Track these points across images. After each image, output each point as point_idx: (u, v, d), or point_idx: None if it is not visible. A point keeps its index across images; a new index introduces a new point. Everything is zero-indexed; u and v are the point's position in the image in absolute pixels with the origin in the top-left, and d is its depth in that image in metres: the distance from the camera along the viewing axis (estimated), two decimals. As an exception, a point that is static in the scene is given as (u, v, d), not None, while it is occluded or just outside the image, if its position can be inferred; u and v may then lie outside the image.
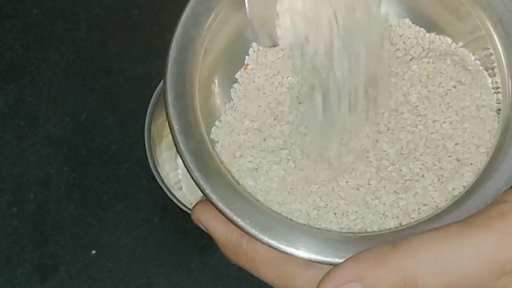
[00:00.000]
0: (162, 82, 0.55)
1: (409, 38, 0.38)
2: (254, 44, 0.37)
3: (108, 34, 0.66)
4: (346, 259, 0.28)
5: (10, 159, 0.61)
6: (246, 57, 0.37)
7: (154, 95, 0.56)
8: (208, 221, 0.33)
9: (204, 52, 0.34)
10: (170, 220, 0.59)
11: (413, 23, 0.38)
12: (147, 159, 0.54)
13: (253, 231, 0.31)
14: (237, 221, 0.31)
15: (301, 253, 0.30)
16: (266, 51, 0.37)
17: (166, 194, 0.53)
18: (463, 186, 0.33)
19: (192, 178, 0.32)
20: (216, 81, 0.37)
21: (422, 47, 0.37)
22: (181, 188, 0.59)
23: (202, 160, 0.32)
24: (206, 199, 0.32)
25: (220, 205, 0.31)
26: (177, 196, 0.54)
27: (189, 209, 0.53)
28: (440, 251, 0.27)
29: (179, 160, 0.60)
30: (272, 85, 0.37)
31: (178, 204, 0.53)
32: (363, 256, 0.27)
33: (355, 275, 0.27)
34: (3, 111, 0.63)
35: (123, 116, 0.62)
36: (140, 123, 0.55)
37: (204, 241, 0.58)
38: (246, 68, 0.37)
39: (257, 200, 0.33)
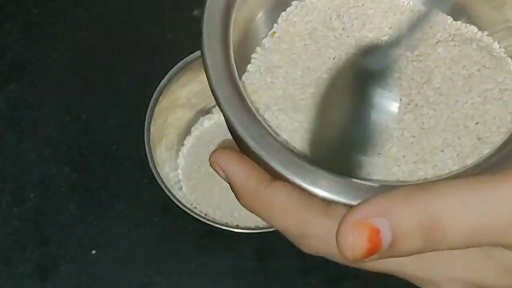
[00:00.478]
0: (162, 82, 0.56)
1: (436, 24, 0.37)
2: (283, 13, 0.37)
3: (108, 34, 0.66)
4: (373, 197, 0.27)
5: (11, 159, 0.61)
6: (275, 24, 0.37)
7: (154, 95, 0.56)
8: (227, 164, 0.32)
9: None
10: (170, 220, 0.59)
11: (440, 10, 0.38)
12: (147, 159, 0.54)
13: (276, 166, 0.30)
14: (262, 155, 0.30)
15: (323, 192, 0.30)
16: (295, 21, 0.37)
17: (166, 194, 0.53)
18: None
19: (221, 111, 0.31)
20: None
21: (448, 32, 0.37)
22: (181, 188, 0.59)
23: (231, 97, 0.31)
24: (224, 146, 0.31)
25: (246, 138, 0.30)
26: (177, 196, 0.54)
27: (189, 209, 0.53)
28: (468, 196, 0.26)
29: (179, 160, 0.60)
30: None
31: (178, 204, 0.53)
32: (391, 194, 0.27)
33: (382, 210, 0.26)
34: (4, 111, 0.63)
35: (124, 116, 0.62)
36: (140, 123, 0.55)
37: (204, 241, 0.59)
38: (273, 36, 0.37)
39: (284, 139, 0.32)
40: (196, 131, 0.61)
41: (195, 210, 0.55)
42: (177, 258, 0.58)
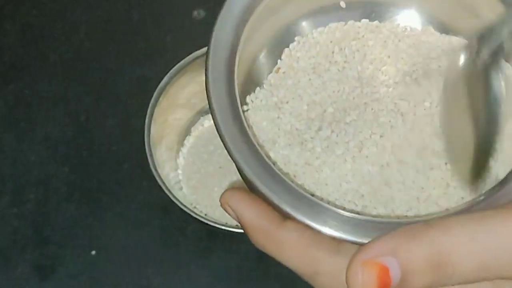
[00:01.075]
0: (161, 83, 0.56)
1: (430, 43, 0.38)
2: (286, 49, 0.37)
3: (107, 35, 0.66)
4: (381, 235, 0.27)
5: (10, 159, 0.61)
6: (279, 60, 0.38)
7: (154, 95, 0.56)
8: (238, 205, 0.33)
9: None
10: (170, 221, 0.59)
11: (435, 30, 0.38)
12: (147, 159, 0.54)
13: (286, 207, 0.30)
14: (271, 197, 0.31)
15: (333, 232, 0.30)
16: (298, 57, 0.37)
17: (166, 195, 0.53)
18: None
19: (229, 155, 0.32)
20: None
21: (441, 49, 0.37)
22: (181, 189, 0.59)
23: (238, 139, 0.32)
24: (234, 186, 0.32)
25: (256, 181, 0.31)
26: (177, 196, 0.54)
27: (189, 209, 0.53)
28: (476, 231, 0.27)
29: (179, 160, 0.60)
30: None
31: (178, 204, 0.53)
32: (398, 232, 0.27)
33: (390, 249, 0.26)
34: (3, 112, 0.63)
35: (123, 117, 0.62)
36: (140, 123, 0.55)
37: (204, 242, 0.59)
38: (278, 72, 0.37)
39: (290, 179, 0.33)
40: (196, 131, 0.61)
41: (195, 210, 0.55)
42: (177, 258, 0.58)
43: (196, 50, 0.57)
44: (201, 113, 0.62)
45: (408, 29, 0.38)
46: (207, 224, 0.53)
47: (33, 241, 0.58)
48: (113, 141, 0.62)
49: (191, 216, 0.53)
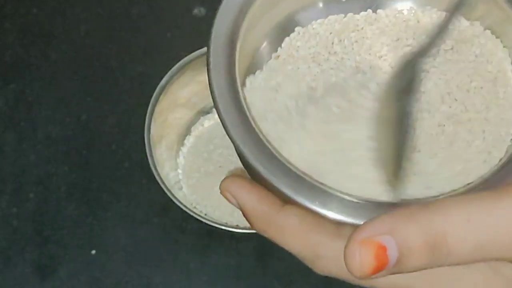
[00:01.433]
0: (162, 82, 0.56)
1: (432, 26, 0.38)
2: (286, 38, 0.37)
3: (108, 34, 0.66)
4: (378, 215, 0.28)
5: (10, 159, 0.61)
6: (279, 48, 0.38)
7: (154, 95, 0.56)
8: (238, 191, 0.33)
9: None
10: (170, 220, 0.59)
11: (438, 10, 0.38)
12: (147, 159, 0.54)
13: (287, 191, 0.30)
14: (271, 180, 0.31)
15: (332, 214, 0.30)
16: (298, 46, 0.37)
17: (166, 194, 0.53)
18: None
19: (230, 139, 0.32)
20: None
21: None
22: (181, 188, 0.59)
23: (239, 124, 0.32)
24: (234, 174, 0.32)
25: (257, 165, 0.31)
26: (177, 196, 0.54)
27: (189, 209, 0.53)
28: (471, 213, 0.27)
29: (179, 160, 0.60)
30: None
31: (178, 204, 0.53)
32: (396, 213, 0.27)
33: (388, 228, 0.27)
34: (3, 111, 0.63)
35: (123, 116, 0.62)
36: (140, 122, 0.55)
37: (203, 241, 0.58)
38: (278, 58, 0.37)
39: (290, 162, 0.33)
40: (196, 131, 0.61)
41: (195, 210, 0.55)
42: (177, 258, 0.58)
43: (197, 47, 0.57)
44: (201, 113, 0.62)
45: (407, 12, 0.38)
46: (206, 223, 0.53)
47: (33, 241, 0.58)
48: (114, 140, 0.62)
49: (191, 215, 0.53)
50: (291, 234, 0.32)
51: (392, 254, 0.26)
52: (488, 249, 0.27)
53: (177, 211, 0.53)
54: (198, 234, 0.59)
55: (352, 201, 0.31)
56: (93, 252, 0.58)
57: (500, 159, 0.33)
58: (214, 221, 0.54)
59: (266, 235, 0.33)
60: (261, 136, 0.32)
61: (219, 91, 0.32)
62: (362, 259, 0.26)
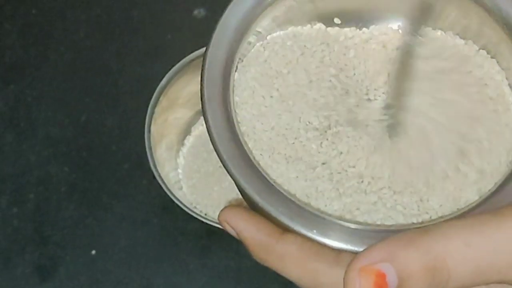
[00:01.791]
0: (162, 82, 0.56)
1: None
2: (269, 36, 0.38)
3: (107, 35, 0.66)
4: (377, 242, 0.28)
5: (10, 159, 0.61)
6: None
7: (154, 95, 0.56)
8: (237, 222, 0.33)
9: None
10: (170, 220, 0.59)
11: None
12: (147, 159, 0.54)
13: (285, 220, 0.31)
14: (269, 210, 0.31)
15: (331, 242, 0.30)
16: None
17: (166, 194, 0.53)
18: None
19: (227, 171, 0.32)
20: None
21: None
22: (181, 188, 0.59)
23: (234, 153, 0.32)
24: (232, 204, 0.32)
25: (254, 195, 0.31)
26: (177, 196, 0.54)
27: (189, 209, 0.53)
28: (471, 237, 0.27)
29: (179, 160, 0.60)
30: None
31: (178, 204, 0.53)
32: (394, 238, 0.27)
33: (386, 255, 0.27)
34: (3, 112, 0.63)
35: (123, 117, 0.62)
36: (140, 123, 0.55)
37: (203, 242, 0.59)
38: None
39: (285, 190, 0.33)
40: (196, 131, 0.61)
41: (195, 210, 0.55)
42: (177, 258, 0.58)
43: (197, 49, 0.57)
44: (201, 113, 0.61)
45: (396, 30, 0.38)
46: (206, 223, 0.53)
47: (33, 241, 0.58)
48: (113, 140, 0.62)
49: (191, 215, 0.53)
50: (290, 262, 0.32)
51: (392, 281, 0.26)
52: (489, 272, 0.27)
53: (177, 211, 0.53)
54: (198, 235, 0.59)
55: (350, 228, 0.31)
56: (93, 252, 0.58)
57: (495, 184, 0.33)
58: (214, 221, 0.54)
59: (266, 264, 0.33)
60: (258, 167, 0.32)
61: (214, 123, 0.33)
62: (362, 287, 0.27)
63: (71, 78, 0.64)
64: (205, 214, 0.57)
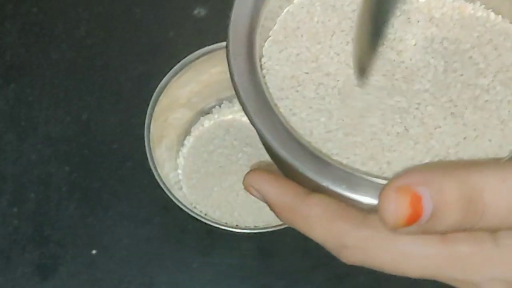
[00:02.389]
0: (162, 82, 0.56)
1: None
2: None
3: (108, 33, 0.66)
4: (415, 166, 0.28)
5: (11, 158, 0.61)
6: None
7: (154, 95, 0.55)
8: (261, 185, 0.33)
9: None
10: (171, 220, 0.59)
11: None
12: (147, 159, 0.54)
13: (313, 176, 0.30)
14: (297, 166, 0.30)
15: (360, 197, 0.30)
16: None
17: (166, 194, 0.53)
18: None
19: (253, 125, 0.32)
20: None
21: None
22: (181, 188, 0.59)
23: (261, 109, 0.32)
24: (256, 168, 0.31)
25: (283, 153, 0.31)
26: (177, 196, 0.54)
27: (189, 209, 0.53)
28: (507, 175, 0.27)
29: (179, 160, 0.60)
30: None
31: (178, 204, 0.53)
32: (432, 166, 0.27)
33: (424, 180, 0.26)
34: (4, 111, 0.63)
35: (124, 116, 0.62)
36: (141, 122, 0.55)
37: (205, 241, 0.59)
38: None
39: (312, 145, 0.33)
40: (196, 131, 0.61)
41: (195, 210, 0.55)
42: (178, 258, 0.58)
43: (197, 47, 0.57)
44: (201, 113, 0.61)
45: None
46: (207, 223, 0.53)
47: (33, 241, 0.58)
48: (114, 139, 0.62)
49: (191, 215, 0.53)
50: (316, 224, 0.31)
51: (427, 205, 0.26)
52: None
53: (177, 211, 0.53)
54: (199, 233, 0.59)
55: (380, 184, 0.30)
56: (94, 252, 0.58)
57: None
58: (214, 221, 0.54)
59: (293, 227, 0.32)
60: (285, 123, 0.32)
61: (239, 79, 0.32)
62: (396, 207, 0.26)
63: (72, 77, 0.64)
64: (205, 214, 0.57)
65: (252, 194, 0.33)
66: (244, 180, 0.33)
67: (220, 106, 0.62)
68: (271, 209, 0.33)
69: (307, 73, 0.35)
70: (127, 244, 0.59)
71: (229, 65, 0.33)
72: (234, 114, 0.61)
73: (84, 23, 0.66)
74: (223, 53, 0.58)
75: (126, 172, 0.61)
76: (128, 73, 0.64)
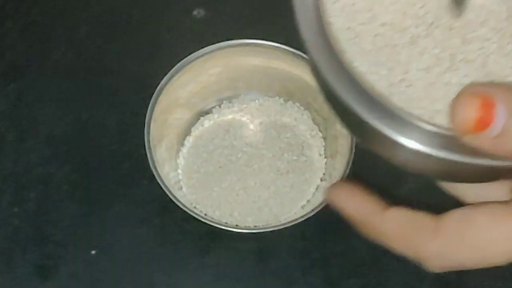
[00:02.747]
0: (162, 82, 0.56)
1: None
2: None
3: (108, 34, 0.66)
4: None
5: (11, 158, 0.61)
6: None
7: (154, 95, 0.55)
8: (340, 201, 0.35)
9: None
10: (170, 220, 0.59)
11: None
12: (147, 159, 0.54)
13: (382, 128, 0.30)
14: (352, 106, 0.30)
15: (417, 145, 0.30)
16: None
17: (166, 194, 0.53)
18: None
19: (312, 61, 0.32)
20: None
21: None
22: (181, 188, 0.59)
23: (332, 63, 0.32)
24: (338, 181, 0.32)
25: (344, 95, 0.31)
26: (177, 196, 0.54)
27: (189, 209, 0.53)
28: None
29: (179, 160, 0.60)
30: None
31: (178, 204, 0.53)
32: (503, 84, 0.28)
33: (500, 90, 0.27)
34: (4, 111, 0.63)
35: (124, 116, 0.62)
36: (141, 123, 0.55)
37: (204, 241, 0.59)
38: None
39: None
40: (196, 131, 0.61)
41: (195, 210, 0.55)
42: (177, 258, 0.58)
43: (196, 48, 0.57)
44: (201, 113, 0.62)
45: None
46: (206, 224, 0.53)
47: (33, 241, 0.58)
48: (114, 140, 0.62)
49: (191, 215, 0.53)
50: (392, 238, 0.34)
51: (500, 113, 0.26)
52: None
53: (178, 211, 0.53)
54: (198, 234, 0.59)
55: (429, 129, 0.29)
56: (93, 252, 0.58)
57: None
58: (214, 221, 0.54)
59: (370, 239, 0.35)
60: (348, 67, 0.31)
61: (302, 15, 0.33)
62: (467, 108, 0.27)
63: (72, 77, 0.64)
64: (205, 215, 0.57)
65: (334, 207, 0.36)
66: (326, 194, 0.36)
67: (220, 106, 0.62)
68: (351, 222, 0.35)
69: (363, 24, 0.34)
70: (127, 244, 0.59)
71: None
72: (234, 114, 0.61)
73: (83, 24, 0.66)
74: (223, 53, 0.58)
75: (126, 172, 0.61)
76: (127, 73, 0.64)
